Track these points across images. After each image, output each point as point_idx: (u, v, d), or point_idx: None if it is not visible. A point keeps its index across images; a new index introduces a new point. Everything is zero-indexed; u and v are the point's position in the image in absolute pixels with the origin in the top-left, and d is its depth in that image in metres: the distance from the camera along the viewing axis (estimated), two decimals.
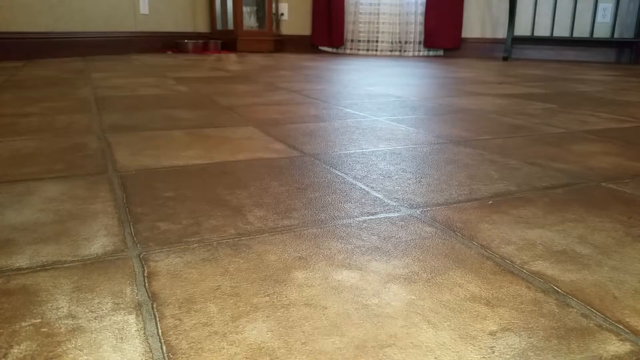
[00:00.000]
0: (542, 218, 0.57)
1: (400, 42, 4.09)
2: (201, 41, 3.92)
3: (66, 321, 0.36)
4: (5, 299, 0.39)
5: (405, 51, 4.09)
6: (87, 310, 0.37)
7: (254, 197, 0.62)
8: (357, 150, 0.87)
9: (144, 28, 3.63)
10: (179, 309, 0.38)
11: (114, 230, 0.52)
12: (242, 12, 4.02)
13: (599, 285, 0.42)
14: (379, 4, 4.08)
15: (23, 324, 0.36)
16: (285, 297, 0.40)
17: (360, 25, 4.15)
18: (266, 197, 0.63)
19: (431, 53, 4.08)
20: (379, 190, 0.66)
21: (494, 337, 0.35)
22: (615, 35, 3.49)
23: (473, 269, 0.45)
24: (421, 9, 3.98)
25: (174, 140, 0.93)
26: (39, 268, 0.44)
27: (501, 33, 3.86)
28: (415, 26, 4.02)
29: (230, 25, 4.12)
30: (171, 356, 0.32)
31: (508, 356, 0.33)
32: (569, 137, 1.01)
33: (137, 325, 0.36)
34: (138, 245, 0.48)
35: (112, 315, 0.37)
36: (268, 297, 0.39)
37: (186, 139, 0.94)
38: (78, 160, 0.79)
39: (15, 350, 0.33)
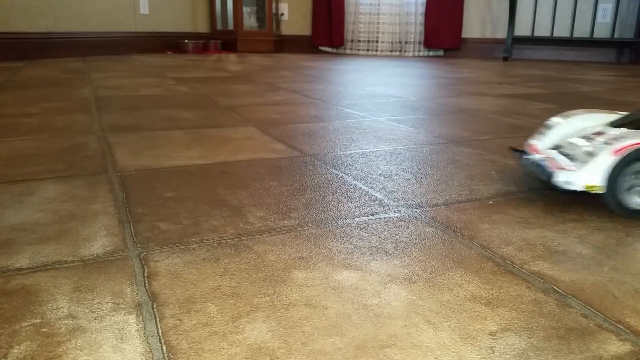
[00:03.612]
0: (542, 218, 0.57)
1: (400, 42, 4.09)
2: (201, 41, 3.92)
3: (66, 321, 0.36)
4: (5, 299, 0.39)
5: (405, 51, 4.09)
6: (87, 311, 0.37)
7: (254, 197, 0.62)
8: (357, 151, 0.87)
9: (144, 28, 3.63)
10: (179, 309, 0.38)
11: (114, 230, 0.52)
12: (242, 12, 4.03)
13: (599, 285, 0.42)
14: (379, 4, 4.08)
15: (23, 324, 0.36)
16: (286, 297, 0.40)
17: (360, 25, 4.15)
18: (266, 197, 0.63)
19: (431, 53, 4.08)
20: (379, 191, 0.66)
21: (494, 337, 0.35)
22: (616, 36, 3.49)
23: (473, 269, 0.45)
24: (421, 9, 3.98)
25: (174, 140, 0.93)
26: (39, 268, 0.44)
27: (501, 33, 3.86)
28: (415, 26, 4.02)
29: (231, 26, 4.12)
30: (171, 356, 0.32)
31: (508, 356, 0.33)
32: None
33: (137, 325, 0.36)
34: (138, 246, 0.48)
35: (112, 315, 0.37)
36: (268, 297, 0.39)
37: (186, 139, 0.94)
38: (78, 160, 0.79)
39: (15, 351, 0.33)
